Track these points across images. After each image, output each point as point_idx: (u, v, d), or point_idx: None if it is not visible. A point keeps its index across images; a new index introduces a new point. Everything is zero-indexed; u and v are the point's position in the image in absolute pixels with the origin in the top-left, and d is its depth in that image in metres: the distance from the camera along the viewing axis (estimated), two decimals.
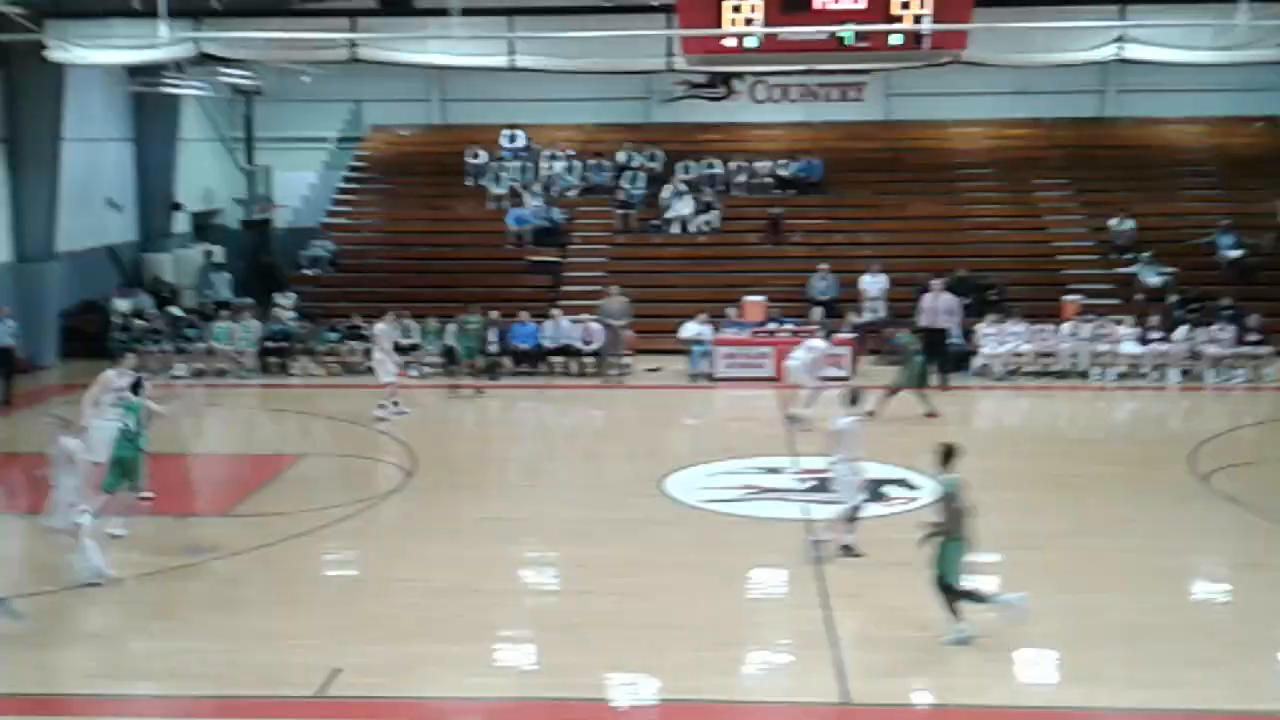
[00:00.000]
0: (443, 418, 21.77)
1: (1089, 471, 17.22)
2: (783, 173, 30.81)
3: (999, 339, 23.67)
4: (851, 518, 13.46)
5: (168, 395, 16.51)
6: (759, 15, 18.79)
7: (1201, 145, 31.60)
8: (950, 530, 10.92)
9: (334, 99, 33.00)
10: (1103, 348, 23.46)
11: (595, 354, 23.92)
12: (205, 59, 24.14)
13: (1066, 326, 23.83)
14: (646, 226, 29.49)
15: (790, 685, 10.52)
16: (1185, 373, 23.17)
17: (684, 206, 29.22)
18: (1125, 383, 23.15)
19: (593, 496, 16.18)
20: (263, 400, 23.01)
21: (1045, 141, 32.13)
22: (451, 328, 23.92)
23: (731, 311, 24.55)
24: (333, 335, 24.84)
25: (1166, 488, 16.29)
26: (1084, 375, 23.33)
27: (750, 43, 19.00)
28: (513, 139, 31.78)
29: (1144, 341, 23.45)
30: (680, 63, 21.73)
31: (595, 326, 24.06)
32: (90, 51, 22.98)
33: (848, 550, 13.38)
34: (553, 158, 31.47)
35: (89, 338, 25.65)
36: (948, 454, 11.27)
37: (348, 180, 32.94)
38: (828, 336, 21.48)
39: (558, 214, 29.67)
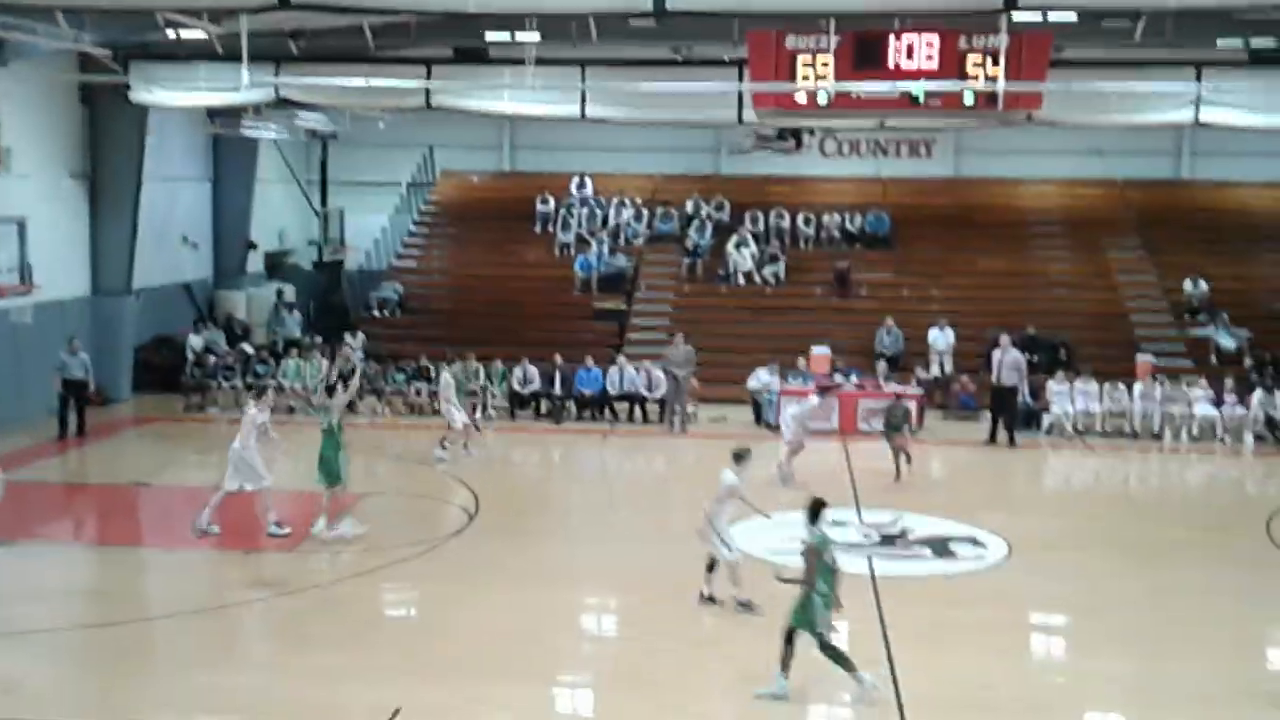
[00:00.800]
0: (506, 461, 21.83)
1: (1161, 536, 16.89)
2: (850, 227, 30.79)
3: (1069, 397, 23.36)
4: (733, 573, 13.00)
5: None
6: (830, 71, 18.81)
7: (1279, 210, 31.14)
8: (812, 584, 10.72)
9: (407, 144, 33.50)
10: (1176, 409, 23.08)
11: (659, 402, 23.91)
12: (283, 103, 24.63)
13: (1139, 386, 23.47)
14: (713, 276, 29.54)
15: None
16: (1259, 438, 22.72)
17: (745, 257, 29.22)
18: (1199, 445, 22.73)
19: (656, 546, 16.08)
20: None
21: (1118, 202, 31.85)
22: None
23: (800, 362, 24.47)
24: (399, 376, 25.06)
25: (1241, 554, 15.92)
26: (1157, 436, 22.95)
27: (821, 98, 19.03)
28: (581, 186, 32.05)
29: (1218, 404, 23.04)
30: (751, 116, 21.81)
31: (659, 374, 24.06)
32: (172, 94, 23.57)
33: (745, 606, 12.92)
34: (621, 205, 31.67)
35: (162, 371, 26.10)
36: (815, 509, 11.13)
37: (418, 224, 33.40)
38: (823, 393, 21.11)
39: (624, 261, 29.81)
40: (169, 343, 26.72)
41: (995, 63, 18.38)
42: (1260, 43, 21.75)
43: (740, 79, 20.92)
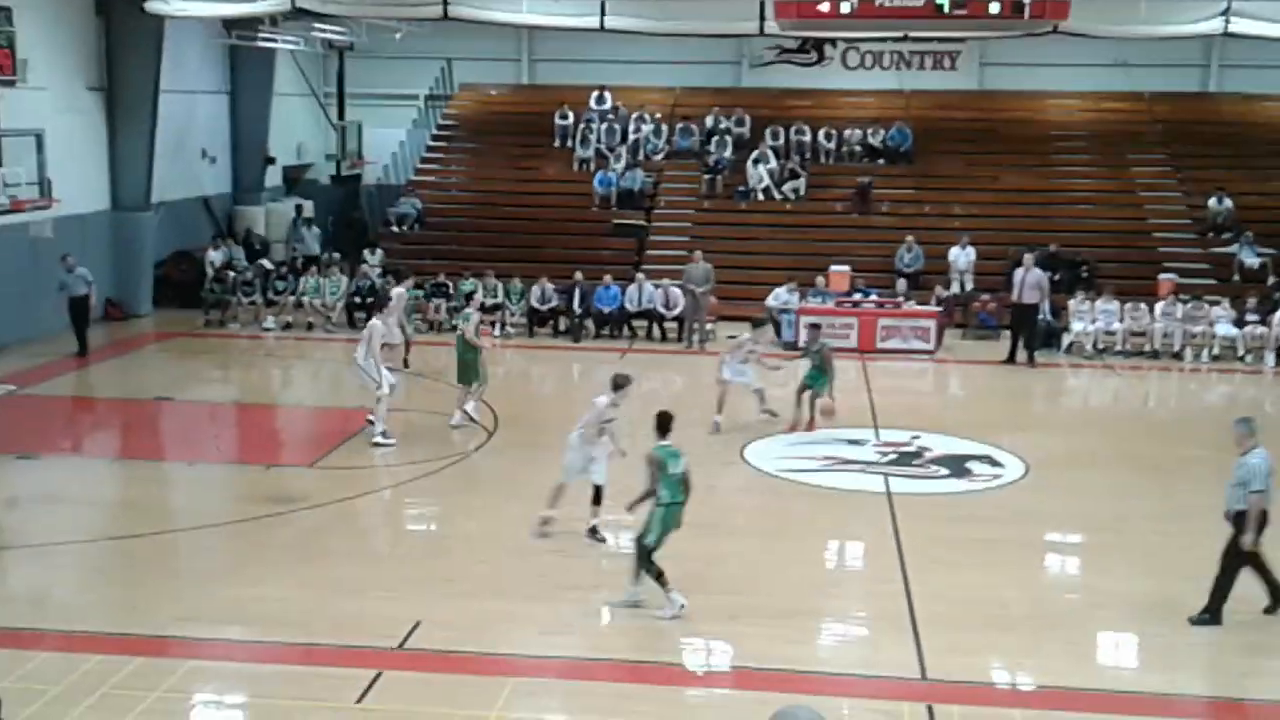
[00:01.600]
0: (524, 377, 21.89)
1: (1179, 454, 16.88)
2: (872, 141, 30.44)
3: (1090, 316, 23.23)
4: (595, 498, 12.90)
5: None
6: None
7: None
8: (658, 497, 10.87)
9: (425, 56, 33.14)
10: (1197, 329, 22.94)
11: (677, 319, 23.87)
12: (299, 13, 24.38)
13: (1160, 306, 23.31)
14: (733, 192, 29.32)
15: (867, 658, 10.48)
16: None
17: (764, 173, 28.96)
18: (1219, 365, 22.63)
19: None
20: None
21: (1144, 116, 31.38)
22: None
23: (820, 280, 24.35)
24: (418, 292, 25.03)
25: None
26: (1177, 356, 22.84)
27: (845, 7, 18.75)
28: (601, 100, 31.73)
29: (1240, 324, 22.88)
30: (772, 27, 21.49)
31: (677, 292, 23.99)
32: (189, 4, 23.43)
33: (593, 533, 12.84)
34: (641, 120, 31.36)
35: (181, 287, 26.19)
36: (662, 422, 11.22)
37: (436, 138, 33.16)
38: (756, 327, 18.69)
39: (644, 177, 29.59)
40: (188, 258, 26.75)
41: None
42: None
43: None
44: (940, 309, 23.84)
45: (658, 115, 31.61)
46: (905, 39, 29.75)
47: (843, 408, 17.76)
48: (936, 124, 31.10)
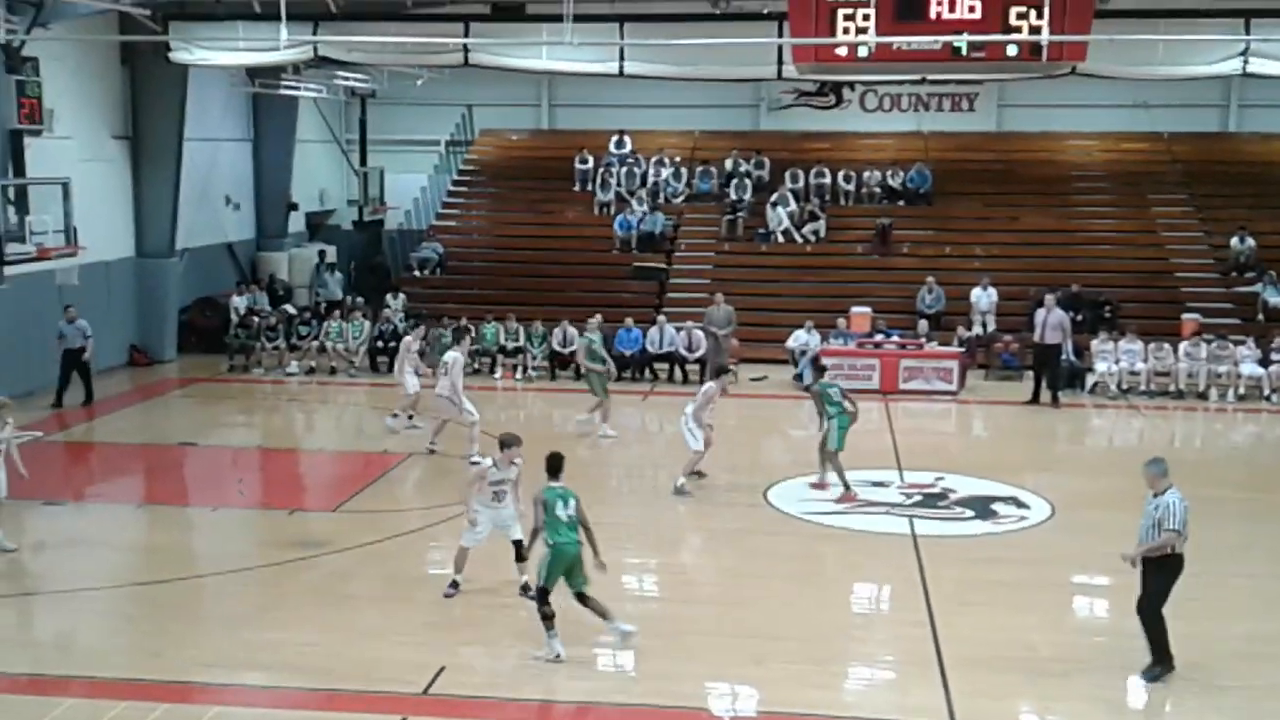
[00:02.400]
0: (547, 421, 21.89)
1: (1205, 494, 16.53)
2: (892, 183, 30.51)
3: (1114, 356, 23.14)
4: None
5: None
6: (872, 24, 18.50)
7: None
8: (546, 539, 10.84)
9: (446, 103, 33.46)
10: (1222, 368, 22.82)
11: (699, 362, 23.87)
12: (322, 61, 24.64)
13: (1184, 345, 23.20)
14: (753, 235, 29.39)
15: (895, 701, 10.37)
16: None
17: (782, 214, 29.02)
18: (1245, 404, 22.48)
19: (694, 504, 16.12)
20: (372, 399, 23.36)
21: (1164, 156, 31.39)
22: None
23: (840, 322, 24.35)
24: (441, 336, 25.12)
25: None
26: (1202, 396, 22.70)
27: (862, 52, 18.77)
28: (620, 144, 31.92)
29: (1265, 363, 22.76)
30: (790, 71, 21.56)
31: (699, 334, 24.02)
32: (212, 53, 23.61)
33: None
34: (660, 164, 31.53)
35: (206, 333, 26.35)
36: (552, 465, 11.14)
37: (457, 183, 33.41)
38: (718, 376, 17.64)
39: (664, 220, 29.70)
40: (213, 303, 26.93)
41: (1039, 13, 18.04)
42: None
43: (780, 33, 20.66)
44: (963, 350, 23.80)
45: (677, 158, 31.77)
46: (923, 82, 29.87)
47: (866, 449, 17.72)
48: (956, 165, 31.18)
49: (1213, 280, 27.21)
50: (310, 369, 24.77)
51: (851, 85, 32.23)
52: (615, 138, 31.93)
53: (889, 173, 30.65)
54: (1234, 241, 27.32)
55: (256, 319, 25.72)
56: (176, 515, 16.01)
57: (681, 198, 31.01)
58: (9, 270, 20.33)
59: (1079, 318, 24.10)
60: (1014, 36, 18.24)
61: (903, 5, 18.23)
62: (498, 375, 24.41)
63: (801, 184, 30.43)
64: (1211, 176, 30.16)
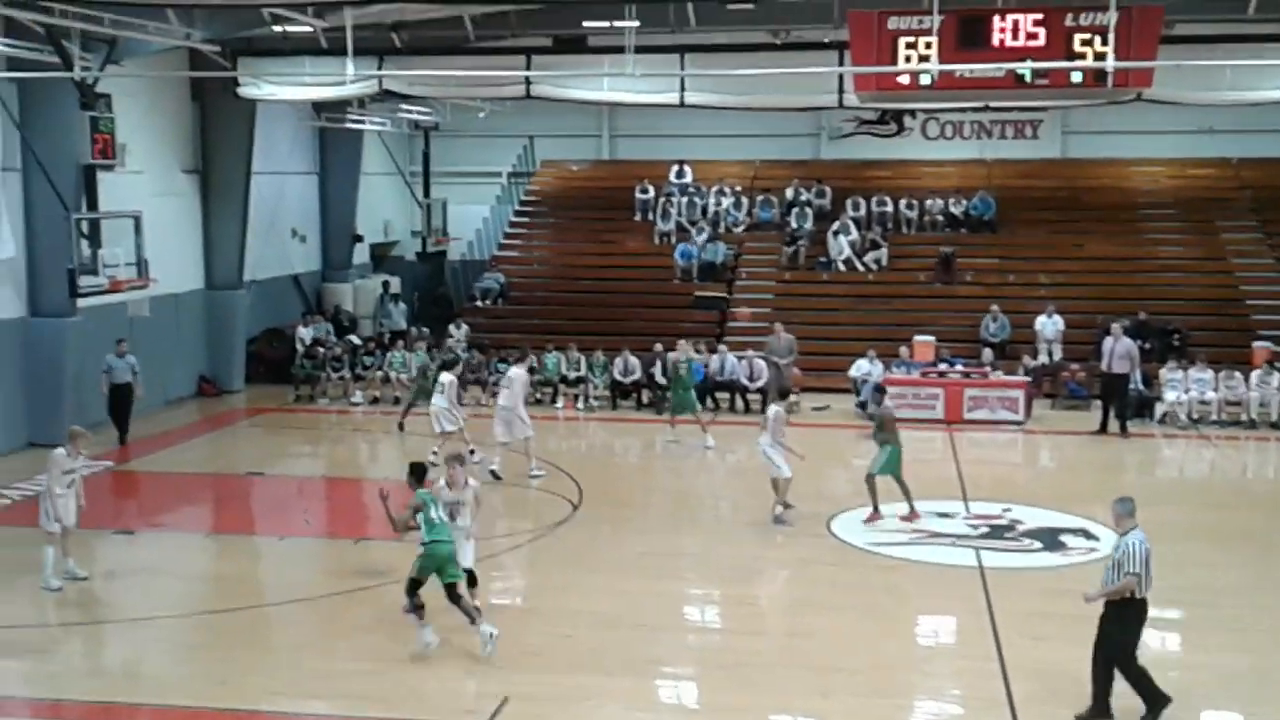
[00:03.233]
0: (608, 450, 21.92)
1: (1277, 525, 16.38)
2: (954, 211, 30.31)
3: (1183, 385, 22.75)
4: None
5: None
6: (934, 52, 18.41)
7: None
8: (421, 538, 11.60)
9: (507, 134, 33.78)
10: None
11: (760, 391, 23.78)
12: (387, 95, 24.96)
13: (1256, 374, 22.76)
14: (814, 264, 29.31)
15: None
16: None
17: (845, 244, 28.91)
18: None
19: (758, 535, 16.03)
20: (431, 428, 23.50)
21: (1233, 182, 30.90)
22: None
23: (904, 351, 24.17)
24: (503, 366, 25.21)
25: None
26: (1275, 425, 22.24)
27: (925, 80, 18.66)
28: (681, 174, 32.01)
29: None
30: (851, 99, 21.51)
31: (761, 363, 23.94)
32: (280, 88, 24.01)
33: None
34: (721, 193, 31.56)
35: (273, 363, 26.67)
36: (416, 471, 11.95)
37: (519, 214, 33.67)
38: (783, 398, 18.15)
39: (725, 250, 29.71)
40: (279, 334, 27.28)
41: (1104, 40, 17.83)
42: None
43: (840, 62, 20.63)
44: (1029, 379, 23.52)
45: (737, 188, 31.79)
46: (986, 109, 29.68)
47: (931, 479, 17.54)
48: (1020, 192, 30.91)
49: None
50: (374, 399, 24.98)
51: (913, 113, 32.11)
52: (675, 167, 32.02)
53: (951, 200, 30.44)
54: None
55: (322, 349, 25.99)
56: (244, 544, 16.20)
57: (742, 227, 31.01)
58: (82, 303, 20.71)
59: (1147, 346, 23.74)
60: (1078, 64, 18.08)
61: (966, 33, 18.12)
62: (559, 405, 24.47)
63: (863, 212, 30.31)
64: None
